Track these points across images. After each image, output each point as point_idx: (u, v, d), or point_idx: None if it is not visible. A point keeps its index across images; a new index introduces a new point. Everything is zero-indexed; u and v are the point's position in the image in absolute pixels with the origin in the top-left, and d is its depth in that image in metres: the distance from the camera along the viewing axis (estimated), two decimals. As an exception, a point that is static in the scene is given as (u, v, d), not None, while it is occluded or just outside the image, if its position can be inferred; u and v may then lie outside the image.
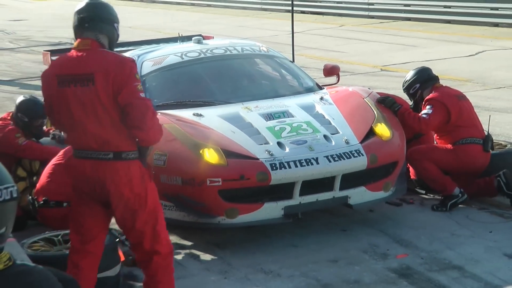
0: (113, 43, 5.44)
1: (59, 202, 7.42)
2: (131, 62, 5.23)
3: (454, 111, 8.05)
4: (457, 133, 8.08)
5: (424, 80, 8.43)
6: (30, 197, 7.56)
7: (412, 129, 8.15)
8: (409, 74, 8.61)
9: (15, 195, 2.60)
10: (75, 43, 5.33)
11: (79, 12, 5.33)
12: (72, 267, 5.37)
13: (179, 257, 7.07)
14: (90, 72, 5.13)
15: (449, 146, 8.11)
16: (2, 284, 2.36)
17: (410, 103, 8.64)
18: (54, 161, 7.65)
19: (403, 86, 8.66)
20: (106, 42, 5.37)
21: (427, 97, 8.20)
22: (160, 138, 5.33)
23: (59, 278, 2.50)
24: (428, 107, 8.09)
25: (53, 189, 7.45)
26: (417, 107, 8.42)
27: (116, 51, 11.29)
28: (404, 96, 8.84)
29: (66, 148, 7.91)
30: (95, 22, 5.31)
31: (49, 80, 5.29)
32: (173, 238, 7.49)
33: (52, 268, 2.57)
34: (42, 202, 7.41)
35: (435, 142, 8.51)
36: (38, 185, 7.65)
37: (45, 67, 13.06)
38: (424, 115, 8.05)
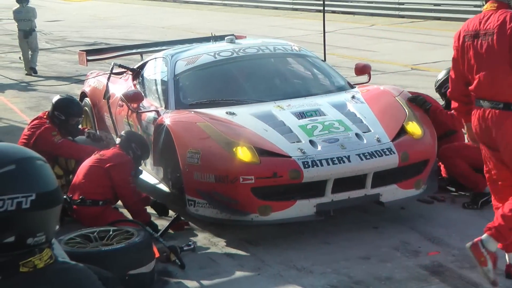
0: None
1: (95, 200, 7.53)
2: None
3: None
4: (489, 131, 8.07)
5: (455, 79, 8.43)
6: (65, 196, 7.66)
7: (445, 125, 8.17)
8: (441, 74, 8.63)
9: (25, 206, 2.33)
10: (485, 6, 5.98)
11: None
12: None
13: (212, 254, 7.14)
14: (490, 29, 5.78)
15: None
16: (42, 281, 2.35)
17: (441, 102, 8.65)
18: (90, 162, 7.69)
19: (435, 85, 8.68)
20: None
21: (459, 95, 8.20)
22: None
23: (99, 276, 2.49)
24: (459, 104, 8.09)
25: (90, 188, 7.54)
26: (448, 106, 8.41)
27: (149, 51, 11.44)
28: (435, 95, 8.84)
29: (107, 150, 7.95)
30: None
31: (457, 37, 6.18)
32: (206, 235, 7.56)
33: (92, 265, 2.58)
34: (79, 200, 7.52)
35: (466, 140, 8.51)
36: (72, 183, 7.74)
37: (81, 66, 13.26)
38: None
